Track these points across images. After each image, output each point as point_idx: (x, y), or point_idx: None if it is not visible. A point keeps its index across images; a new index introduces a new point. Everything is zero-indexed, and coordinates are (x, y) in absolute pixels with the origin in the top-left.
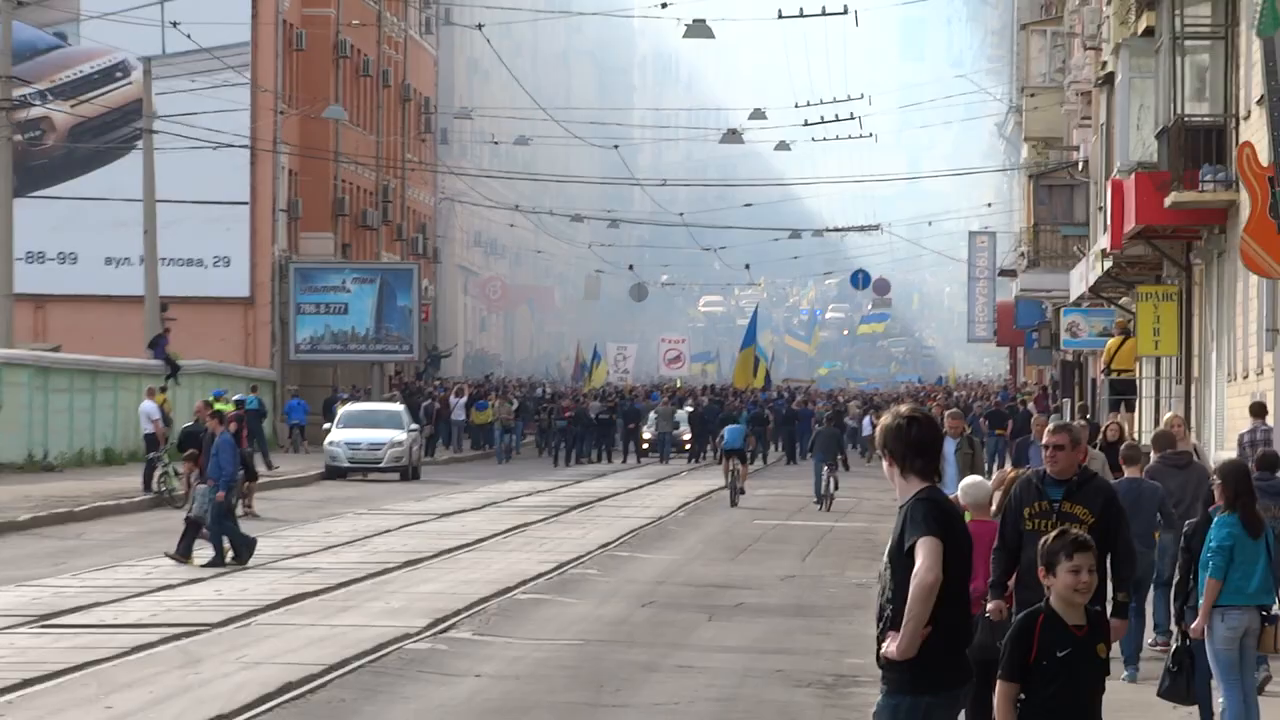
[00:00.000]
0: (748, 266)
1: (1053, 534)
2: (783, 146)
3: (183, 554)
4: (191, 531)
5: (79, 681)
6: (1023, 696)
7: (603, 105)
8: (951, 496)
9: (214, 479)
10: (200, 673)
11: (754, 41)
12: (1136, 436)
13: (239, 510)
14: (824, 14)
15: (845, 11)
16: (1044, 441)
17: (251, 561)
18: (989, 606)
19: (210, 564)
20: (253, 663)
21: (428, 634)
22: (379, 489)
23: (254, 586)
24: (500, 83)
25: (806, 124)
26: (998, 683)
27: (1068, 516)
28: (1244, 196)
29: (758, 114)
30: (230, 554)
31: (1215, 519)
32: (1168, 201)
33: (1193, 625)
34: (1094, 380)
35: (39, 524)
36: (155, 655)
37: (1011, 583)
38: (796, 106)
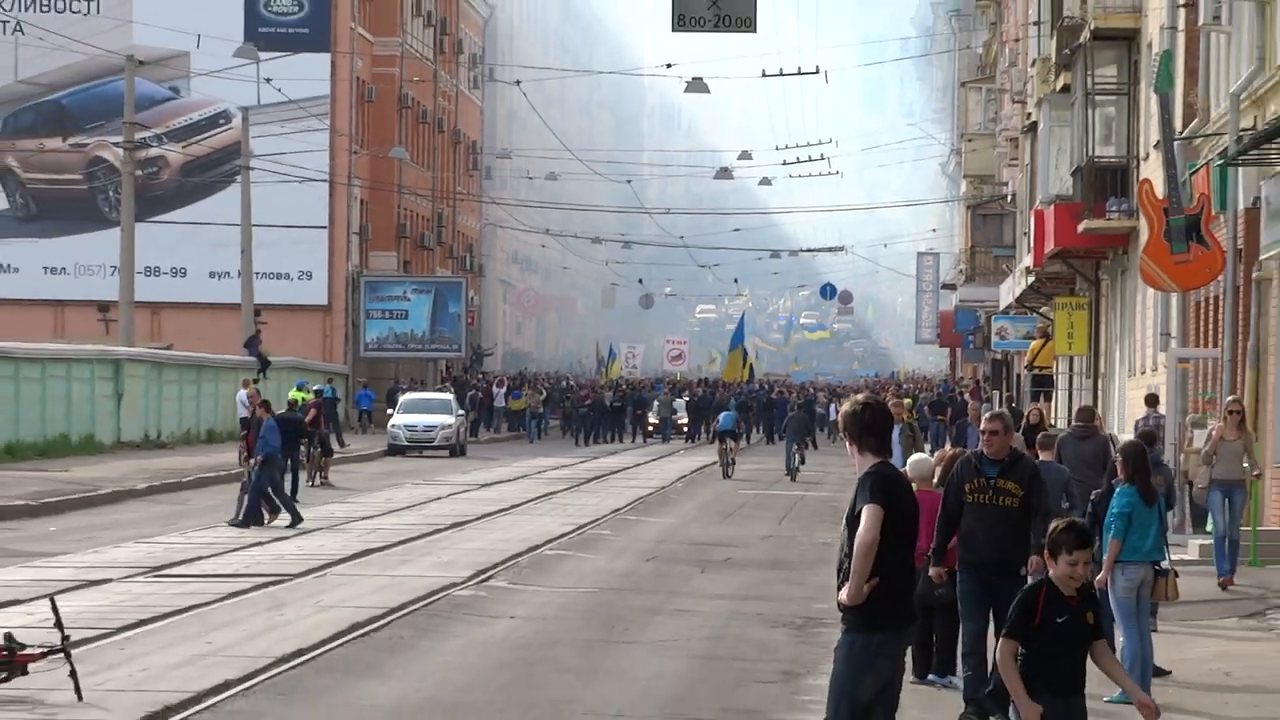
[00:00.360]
0: (736, 280)
1: (1062, 525)
2: (765, 182)
3: (253, 520)
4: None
5: (185, 621)
6: (1022, 652)
7: (618, 148)
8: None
9: (260, 454)
10: (284, 614)
11: (742, 95)
12: (1053, 422)
13: (315, 481)
14: (799, 73)
15: (817, 71)
16: (981, 428)
17: (327, 523)
18: (930, 572)
19: (231, 523)
20: (327, 606)
21: (471, 583)
22: (431, 464)
23: (329, 543)
24: (534, 129)
25: (785, 163)
26: (1002, 639)
27: (1002, 491)
28: (1143, 224)
29: (745, 155)
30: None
31: (1116, 490)
32: (1080, 228)
33: (1098, 578)
34: (1019, 375)
35: (153, 492)
36: (247, 600)
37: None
38: (777, 149)
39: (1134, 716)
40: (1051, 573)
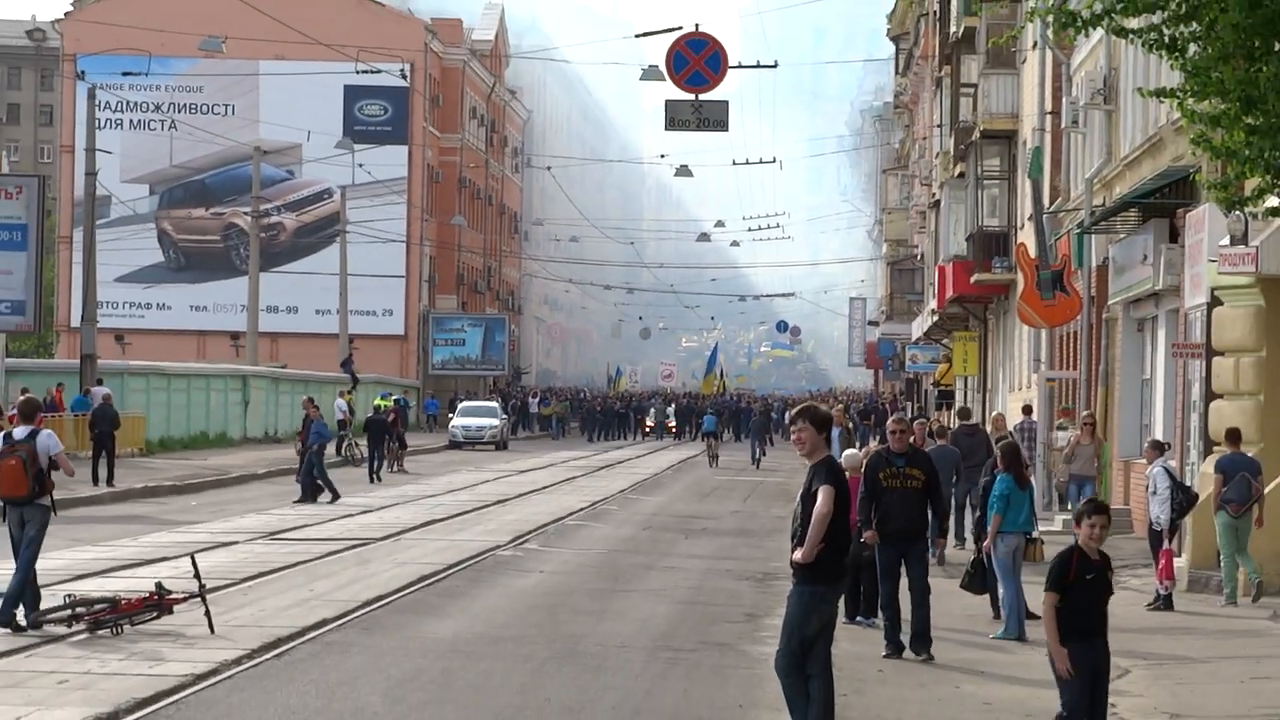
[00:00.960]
0: (712, 318)
1: (1083, 501)
2: (735, 243)
3: (308, 499)
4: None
5: (293, 574)
6: (1060, 604)
7: (624, 218)
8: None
9: (312, 444)
10: (369, 569)
11: (718, 178)
12: (950, 424)
13: (394, 468)
14: (760, 162)
15: (774, 160)
16: (889, 428)
17: (401, 499)
18: (866, 534)
19: (299, 501)
20: (402, 563)
21: (509, 545)
22: (481, 455)
23: (403, 515)
24: (560, 203)
25: (749, 229)
26: (1046, 593)
27: (909, 476)
28: (1019, 277)
29: (719, 223)
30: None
31: (998, 477)
32: (972, 279)
33: (984, 544)
34: (926, 390)
35: (270, 475)
36: (340, 558)
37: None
38: (743, 219)
39: (1015, 648)
40: (1078, 538)
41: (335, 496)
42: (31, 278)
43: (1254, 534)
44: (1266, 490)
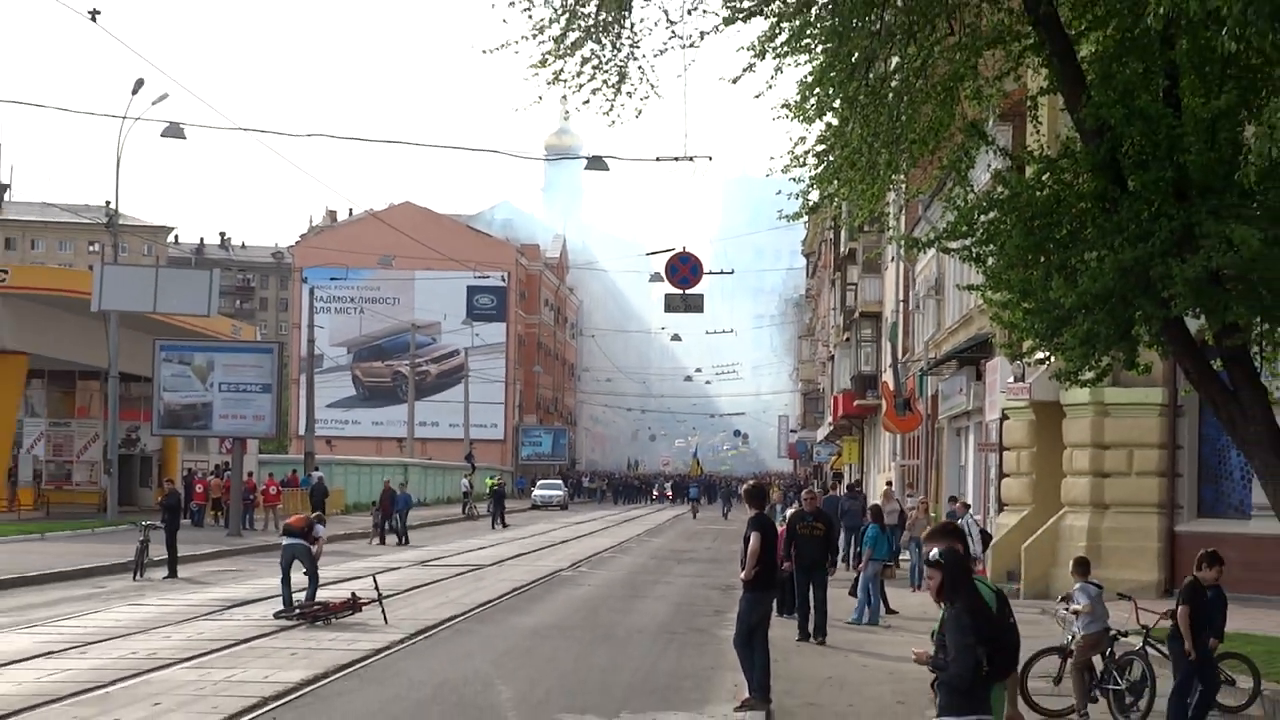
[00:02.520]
0: (694, 429)
1: (1203, 553)
2: (708, 382)
3: (380, 538)
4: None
5: (435, 588)
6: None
7: (638, 367)
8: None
9: (399, 507)
10: (481, 583)
11: (699, 341)
12: (839, 491)
13: (496, 525)
14: (723, 331)
15: (732, 330)
16: (803, 497)
17: (502, 540)
18: (784, 566)
19: (378, 542)
20: (502, 579)
21: (569, 569)
22: (551, 514)
23: (503, 550)
24: (600, 357)
25: (717, 373)
26: (1181, 607)
27: (815, 527)
28: (883, 402)
29: (698, 370)
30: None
31: (870, 526)
32: (854, 404)
33: (862, 568)
34: (826, 471)
35: (421, 526)
36: (464, 577)
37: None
38: (713, 367)
39: (875, 631)
40: (1202, 577)
41: (406, 542)
42: (274, 406)
43: (1025, 553)
44: (1043, 529)
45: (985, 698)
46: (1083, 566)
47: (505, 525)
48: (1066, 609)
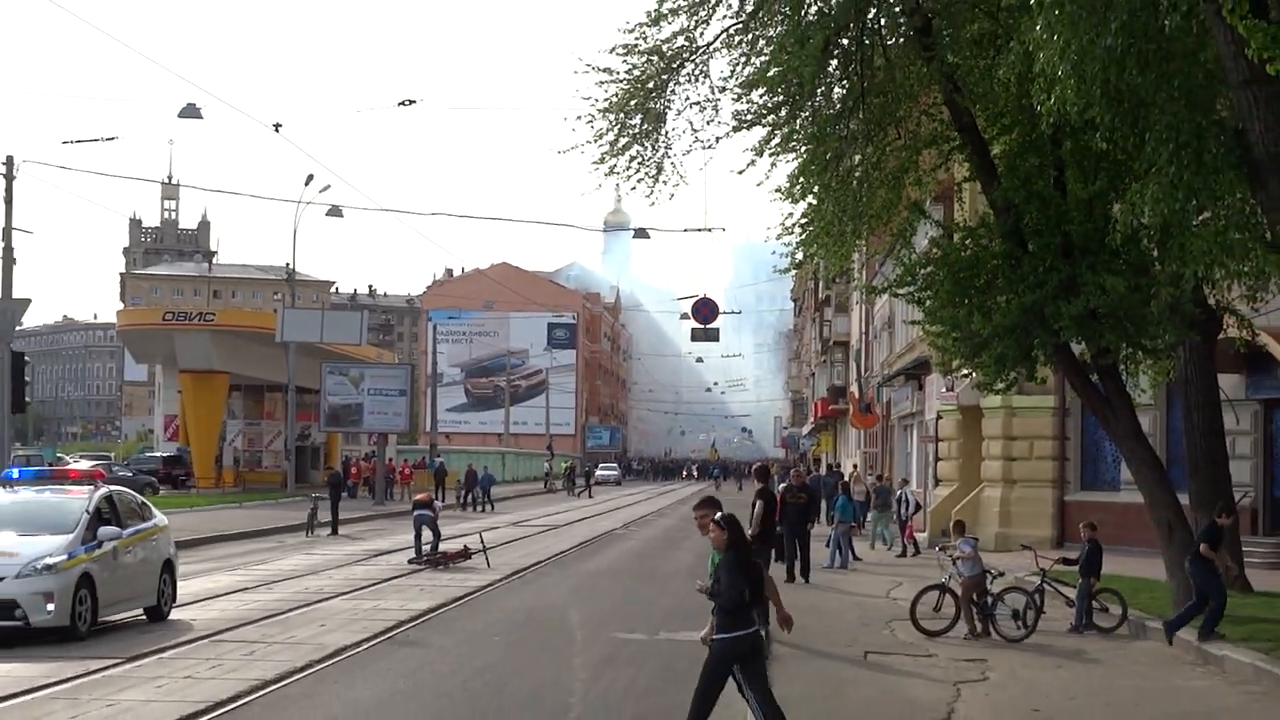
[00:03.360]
0: (713, 427)
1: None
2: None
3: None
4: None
5: (524, 541)
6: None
7: (672, 382)
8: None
9: (484, 483)
10: (557, 539)
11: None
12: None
13: (573, 493)
14: (733, 355)
15: (740, 354)
16: (792, 475)
17: (574, 507)
18: (779, 527)
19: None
20: (574, 536)
21: (622, 528)
22: (609, 489)
23: (573, 515)
24: (645, 375)
25: (730, 385)
26: (1204, 545)
27: (799, 498)
28: (850, 407)
29: (716, 383)
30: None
31: (840, 498)
32: (830, 408)
33: (835, 529)
34: (809, 457)
35: (514, 498)
36: (546, 534)
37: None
38: (726, 380)
39: (844, 574)
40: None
41: (491, 509)
42: (408, 409)
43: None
44: (967, 499)
45: (749, 616)
46: (960, 527)
47: (591, 494)
48: (948, 556)
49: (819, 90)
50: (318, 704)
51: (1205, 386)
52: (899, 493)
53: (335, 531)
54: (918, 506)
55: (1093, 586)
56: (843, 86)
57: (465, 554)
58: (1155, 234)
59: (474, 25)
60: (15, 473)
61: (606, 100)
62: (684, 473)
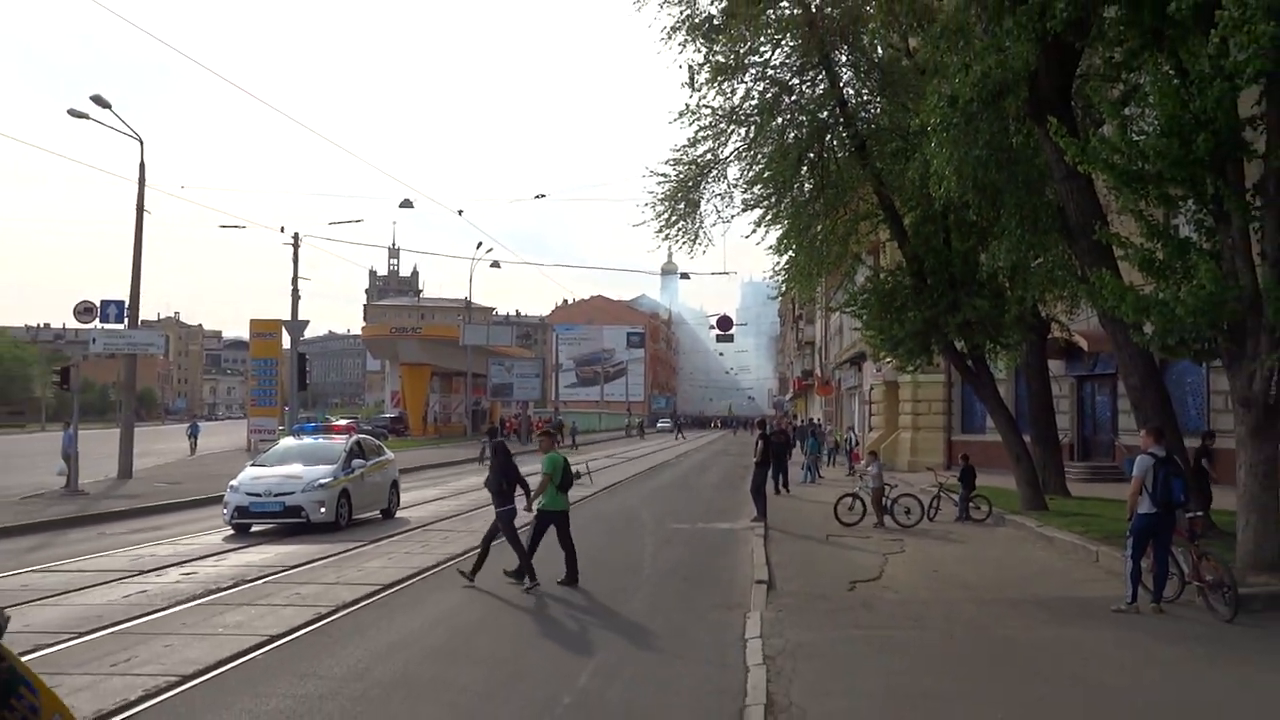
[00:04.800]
0: (730, 396)
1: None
2: (737, 375)
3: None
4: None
5: (615, 469)
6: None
7: (705, 367)
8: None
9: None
10: (633, 467)
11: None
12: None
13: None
14: (747, 352)
15: (749, 351)
16: (776, 422)
17: (641, 445)
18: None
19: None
20: (644, 464)
21: (673, 459)
22: (668, 439)
23: (643, 450)
24: (687, 363)
25: (738, 370)
26: (1204, 460)
27: (782, 436)
28: (815, 382)
29: (733, 369)
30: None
31: (811, 439)
32: (802, 384)
33: (808, 459)
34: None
35: (604, 443)
36: (626, 464)
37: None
38: (739, 368)
39: (812, 488)
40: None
41: (575, 446)
42: (540, 384)
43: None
44: (890, 439)
45: (511, 495)
46: (873, 454)
47: (644, 437)
48: (864, 473)
49: (795, 185)
50: (495, 562)
51: (1040, 368)
52: (846, 434)
53: None
54: (858, 443)
55: (969, 494)
56: (810, 183)
57: (576, 475)
58: (1008, 272)
59: (587, 138)
60: (303, 428)
61: (663, 193)
62: (713, 424)
